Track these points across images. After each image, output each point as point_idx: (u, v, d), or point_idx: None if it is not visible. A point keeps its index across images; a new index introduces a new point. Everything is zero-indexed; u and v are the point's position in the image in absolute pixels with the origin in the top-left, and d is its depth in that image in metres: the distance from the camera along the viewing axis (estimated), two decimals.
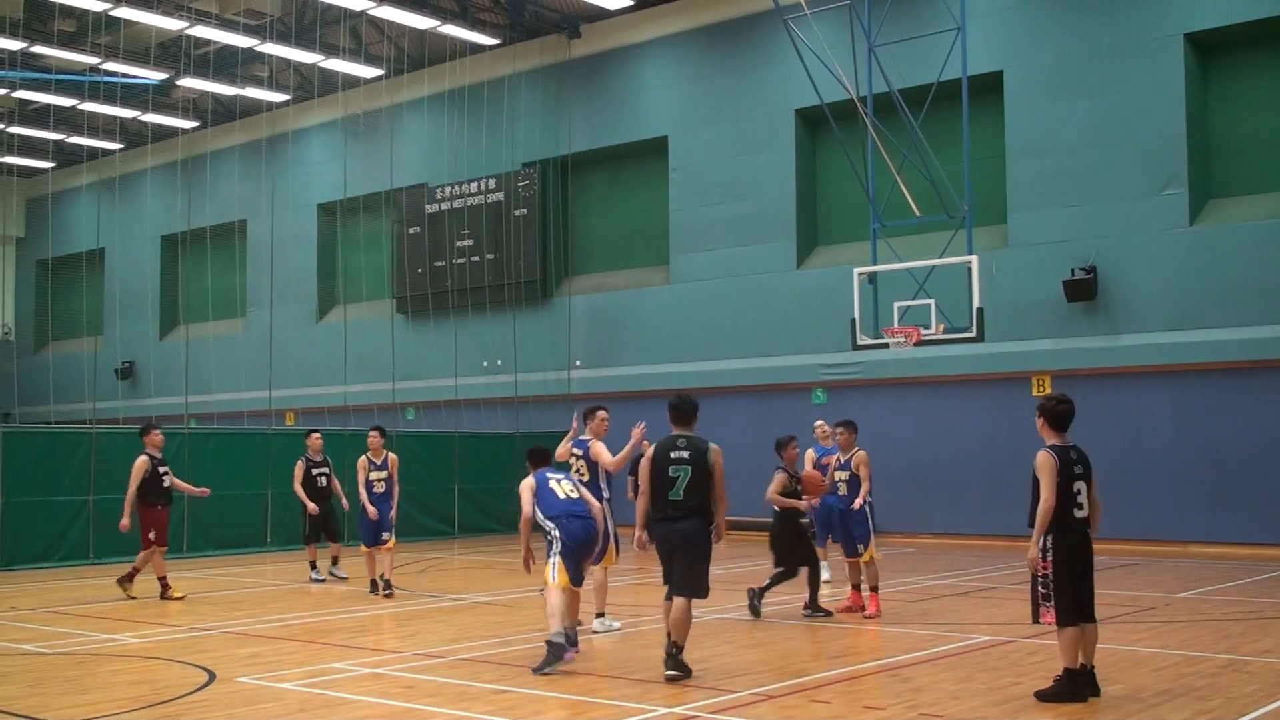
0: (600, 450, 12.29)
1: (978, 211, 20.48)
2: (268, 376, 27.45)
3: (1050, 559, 8.33)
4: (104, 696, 8.98)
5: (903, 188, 19.90)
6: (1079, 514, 8.39)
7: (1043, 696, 8.34)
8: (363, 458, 15.72)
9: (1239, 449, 19.86)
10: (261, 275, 32.58)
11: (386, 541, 15.40)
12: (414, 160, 30.97)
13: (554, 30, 28.51)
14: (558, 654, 9.61)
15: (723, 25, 26.19)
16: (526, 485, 10.63)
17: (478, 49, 28.61)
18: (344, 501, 17.62)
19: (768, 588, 13.05)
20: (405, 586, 16.47)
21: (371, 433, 15.99)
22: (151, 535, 15.48)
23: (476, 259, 29.39)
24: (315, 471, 17.19)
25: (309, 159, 33.68)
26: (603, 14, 27.48)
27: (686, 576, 9.28)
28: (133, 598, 15.27)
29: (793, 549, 12.99)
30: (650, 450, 9.63)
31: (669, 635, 9.25)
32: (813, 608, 12.86)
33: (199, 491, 17.02)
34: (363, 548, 15.67)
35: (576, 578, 10.39)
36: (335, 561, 17.36)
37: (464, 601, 14.63)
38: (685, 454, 9.35)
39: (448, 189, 30.22)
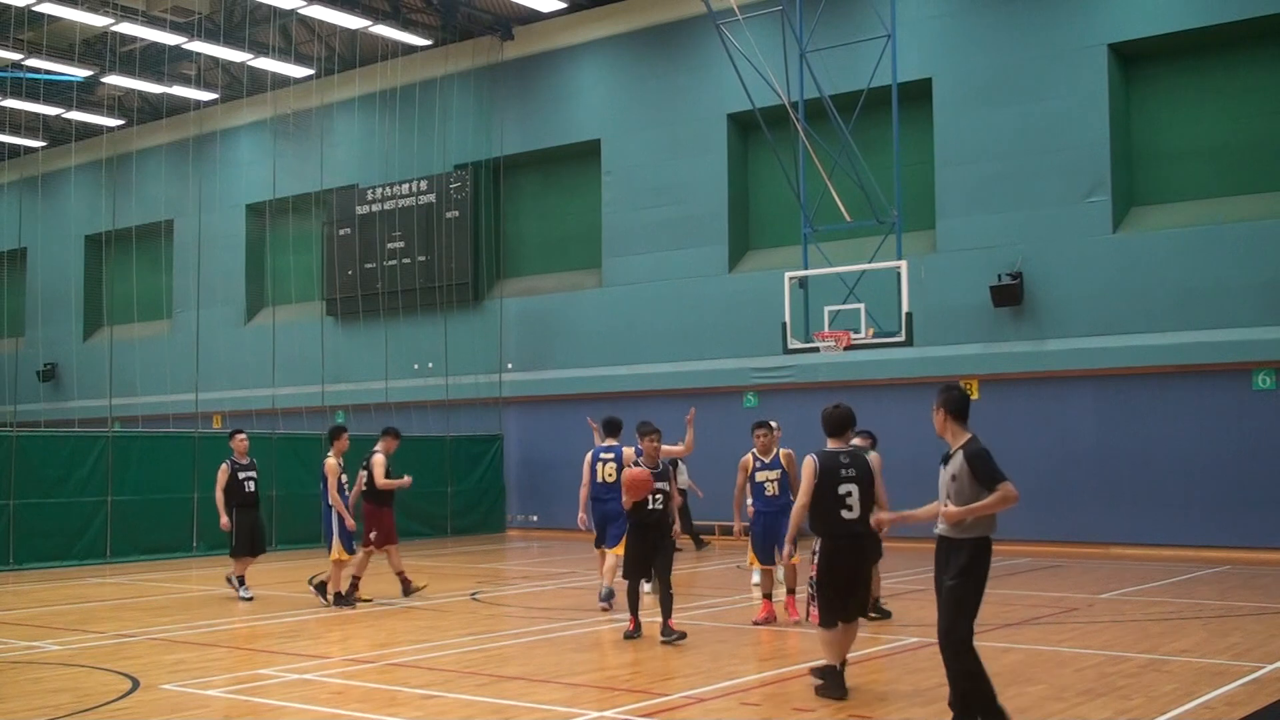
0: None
1: (907, 217, 20.70)
2: (194, 379, 27.07)
3: (817, 561, 8.80)
4: (23, 705, 8.81)
5: (833, 193, 20.07)
6: (847, 515, 8.78)
7: (818, 692, 8.71)
8: (331, 460, 14.67)
9: (1161, 452, 20.24)
10: (188, 276, 32.15)
11: (370, 549, 14.79)
12: (344, 161, 30.70)
13: (486, 32, 28.42)
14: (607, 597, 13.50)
15: (656, 29, 26.25)
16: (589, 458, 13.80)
17: (409, 50, 28.44)
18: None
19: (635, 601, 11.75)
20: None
21: (343, 435, 14.97)
22: (373, 535, 14.76)
23: (408, 261, 29.20)
24: (243, 476, 15.66)
25: (237, 159, 33.26)
26: (536, 16, 27.42)
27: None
28: (367, 600, 14.76)
29: (647, 559, 11.55)
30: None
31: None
32: (666, 633, 11.24)
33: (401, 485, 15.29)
34: (341, 555, 14.35)
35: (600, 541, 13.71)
36: (243, 581, 15.50)
37: (394, 606, 14.51)
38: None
39: (378, 190, 30.00)
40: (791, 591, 12.69)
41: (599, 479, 13.69)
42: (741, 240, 25.34)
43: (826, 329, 19.31)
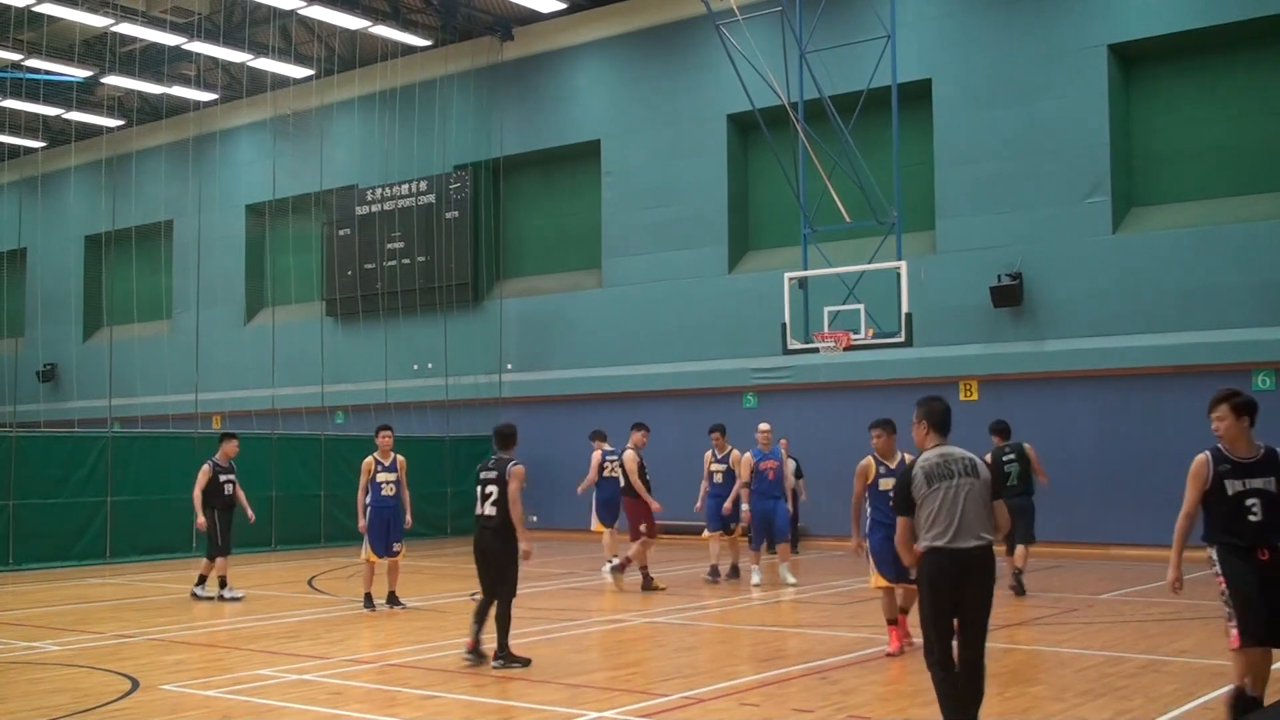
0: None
1: (907, 218, 20.70)
2: (194, 379, 27.07)
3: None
4: (24, 705, 8.81)
5: (833, 193, 20.07)
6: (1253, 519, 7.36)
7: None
8: (368, 459, 14.39)
9: (1160, 453, 20.21)
10: (188, 277, 32.15)
11: (398, 552, 14.35)
12: (344, 161, 30.70)
13: (486, 32, 28.41)
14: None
15: (656, 30, 26.25)
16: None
17: (409, 50, 28.43)
18: (249, 514, 16.02)
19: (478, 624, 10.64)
20: (333, 591, 16.32)
21: (382, 433, 14.49)
22: (643, 528, 15.74)
23: (407, 261, 29.20)
24: (223, 478, 15.52)
25: (237, 159, 33.27)
26: (535, 17, 27.42)
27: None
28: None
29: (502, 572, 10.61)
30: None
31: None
32: (505, 657, 10.25)
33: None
34: (371, 557, 14.16)
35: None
36: (204, 581, 15.44)
37: (394, 606, 14.49)
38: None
39: (378, 191, 30.00)
40: (905, 612, 11.02)
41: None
42: (741, 241, 25.34)
43: (826, 329, 19.30)
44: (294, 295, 32.07)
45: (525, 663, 10.14)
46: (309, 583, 15.03)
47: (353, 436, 25.76)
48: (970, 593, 6.90)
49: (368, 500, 14.37)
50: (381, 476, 14.39)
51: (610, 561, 17.03)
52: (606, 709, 8.40)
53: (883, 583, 10.92)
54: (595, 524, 18.37)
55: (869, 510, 11.25)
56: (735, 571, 17.09)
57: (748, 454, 16.26)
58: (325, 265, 31.03)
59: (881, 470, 11.14)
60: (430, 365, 28.46)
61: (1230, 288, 19.68)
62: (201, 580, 15.43)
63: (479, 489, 10.52)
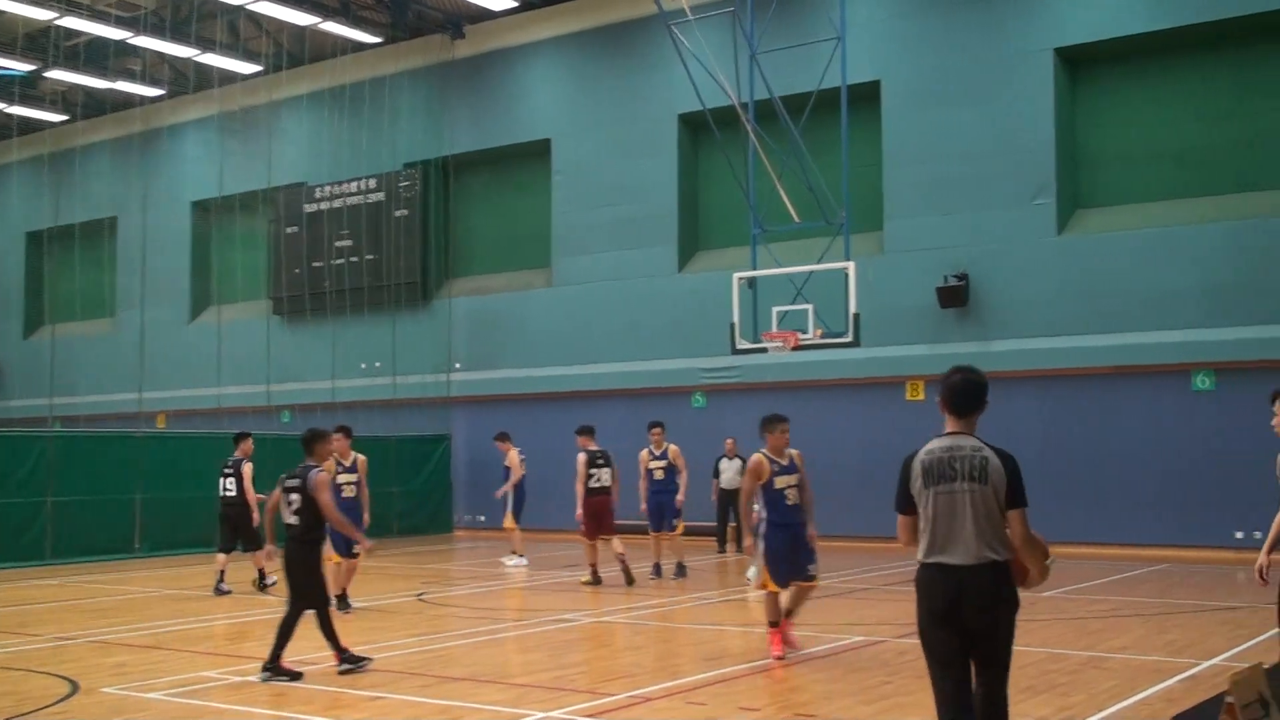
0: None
1: (855, 218, 20.81)
2: (137, 378, 26.75)
3: None
4: None
5: (783, 194, 20.15)
6: None
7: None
8: (328, 460, 14.67)
9: (1104, 452, 20.50)
10: (133, 274, 31.76)
11: (357, 554, 13.93)
12: (293, 158, 30.44)
13: (437, 30, 28.28)
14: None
15: (607, 29, 26.24)
16: None
17: (359, 47, 28.26)
18: (254, 515, 15.93)
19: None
20: (279, 593, 16.17)
21: (337, 434, 14.26)
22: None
23: (356, 260, 29.00)
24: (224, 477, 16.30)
25: (184, 155, 32.90)
26: (486, 15, 27.33)
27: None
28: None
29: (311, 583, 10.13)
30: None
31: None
32: (273, 668, 9.73)
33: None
34: (334, 558, 13.74)
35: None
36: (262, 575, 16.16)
37: (343, 609, 14.38)
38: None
39: (327, 188, 29.77)
40: (790, 615, 10.76)
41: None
42: (691, 240, 25.39)
43: (775, 329, 19.37)
44: (240, 293, 31.77)
45: (296, 676, 9.60)
46: (255, 583, 14.90)
47: (299, 436, 25.46)
48: (975, 622, 5.53)
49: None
50: (342, 478, 14.29)
51: (519, 551, 19.14)
52: (553, 709, 8.39)
53: (773, 587, 10.43)
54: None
55: (762, 510, 10.72)
56: (682, 570, 17.12)
57: (757, 455, 15.26)
58: (272, 263, 30.76)
59: (775, 468, 10.58)
60: (378, 364, 28.29)
61: (1172, 289, 19.96)
62: (220, 576, 15.81)
63: (284, 496, 10.28)
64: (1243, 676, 6.05)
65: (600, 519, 16.39)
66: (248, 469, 16.15)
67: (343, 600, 14.08)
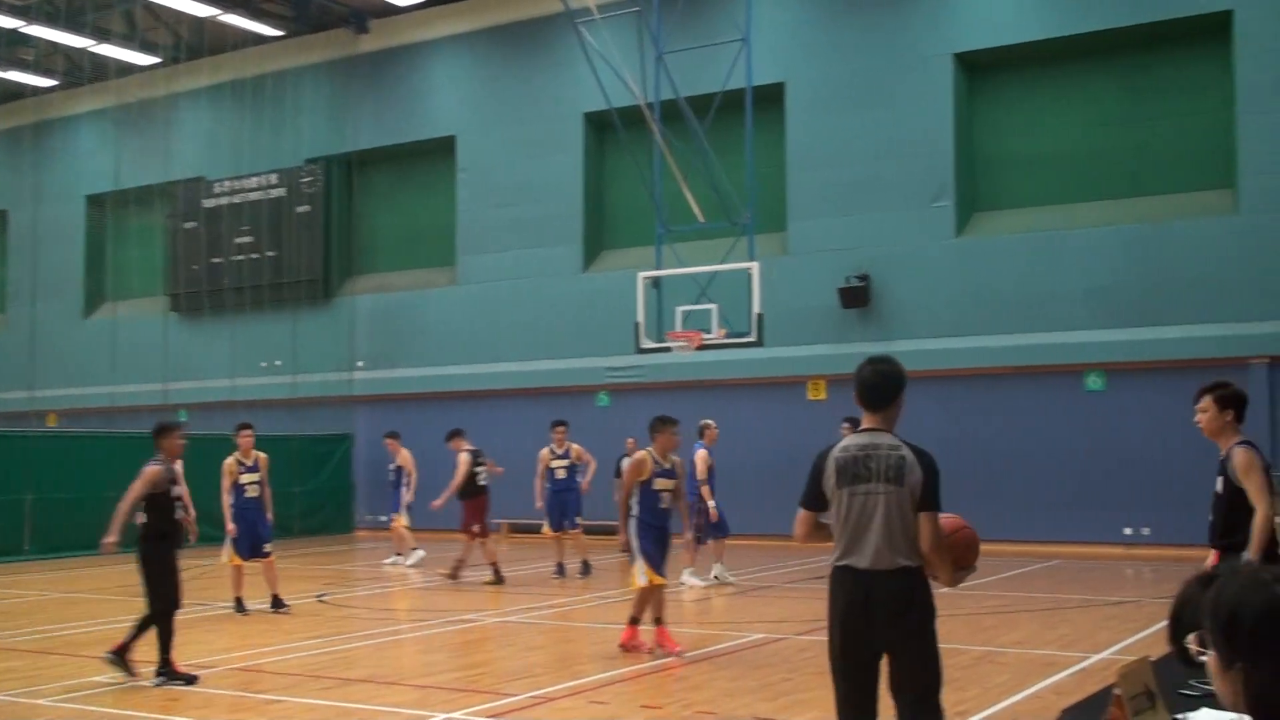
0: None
1: (759, 219, 20.97)
2: (28, 375, 26.07)
3: None
4: None
5: (687, 194, 20.25)
6: None
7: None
8: (230, 460, 14.05)
9: (1000, 451, 20.91)
10: (24, 269, 30.99)
11: (269, 553, 13.90)
12: (191, 153, 29.86)
13: (340, 24, 27.91)
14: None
15: (513, 26, 26.13)
16: None
17: (261, 40, 27.81)
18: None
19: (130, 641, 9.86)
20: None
21: (243, 432, 14.21)
22: (475, 527, 16.83)
23: (256, 256, 28.54)
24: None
25: (78, 148, 32.10)
26: (391, 10, 27.07)
27: None
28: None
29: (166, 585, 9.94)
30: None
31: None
32: (166, 673, 9.54)
33: None
34: (234, 560, 13.74)
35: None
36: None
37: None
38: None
39: (227, 183, 29.25)
40: (660, 621, 10.67)
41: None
42: (596, 240, 25.40)
43: (679, 329, 19.46)
44: (137, 290, 31.10)
45: (191, 680, 9.43)
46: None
47: (195, 435, 25.03)
48: (885, 630, 5.26)
49: (232, 502, 14.00)
50: (245, 477, 14.08)
51: (402, 552, 19.37)
52: (455, 710, 8.35)
53: (658, 580, 10.45)
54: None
55: (636, 509, 10.69)
56: (587, 568, 17.16)
57: (702, 450, 15.09)
58: (170, 259, 30.15)
59: (657, 469, 10.64)
60: (279, 362, 27.87)
61: (1065, 291, 20.43)
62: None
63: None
64: (1130, 669, 6.21)
65: (485, 517, 17.02)
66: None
67: (278, 602, 13.80)
